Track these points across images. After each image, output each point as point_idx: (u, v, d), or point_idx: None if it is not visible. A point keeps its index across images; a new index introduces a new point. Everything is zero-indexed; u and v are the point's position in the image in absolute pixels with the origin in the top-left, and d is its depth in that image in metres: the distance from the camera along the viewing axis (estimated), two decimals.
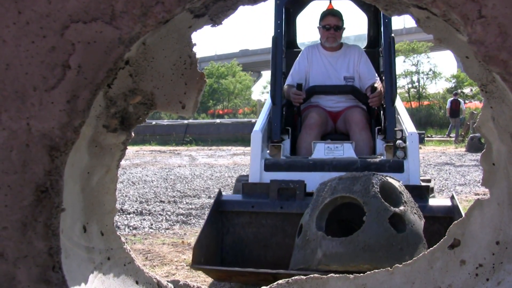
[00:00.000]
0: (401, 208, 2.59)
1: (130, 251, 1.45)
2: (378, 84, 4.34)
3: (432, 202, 3.26)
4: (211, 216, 3.29)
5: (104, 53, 1.07)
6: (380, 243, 2.47)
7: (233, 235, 3.50)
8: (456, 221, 1.42)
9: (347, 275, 1.49)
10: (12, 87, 1.06)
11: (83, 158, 1.24)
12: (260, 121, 4.29)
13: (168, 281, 1.52)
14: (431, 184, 3.78)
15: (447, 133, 23.58)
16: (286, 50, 5.06)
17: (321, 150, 3.96)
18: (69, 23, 1.06)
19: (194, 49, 1.30)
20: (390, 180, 2.76)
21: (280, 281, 1.51)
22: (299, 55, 4.77)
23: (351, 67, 4.64)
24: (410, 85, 36.44)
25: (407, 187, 3.02)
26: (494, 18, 1.01)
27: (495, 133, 1.25)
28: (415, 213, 2.67)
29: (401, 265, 1.48)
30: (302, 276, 1.51)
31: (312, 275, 1.50)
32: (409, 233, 2.55)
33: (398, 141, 3.75)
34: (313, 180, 2.68)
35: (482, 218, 1.36)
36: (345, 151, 3.89)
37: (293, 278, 1.49)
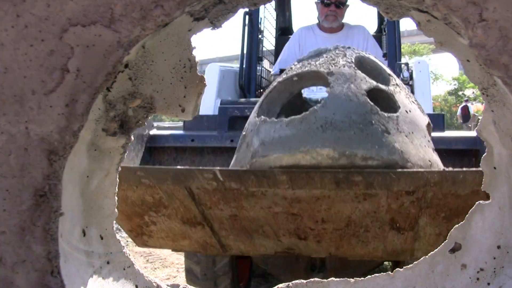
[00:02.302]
0: (390, 87, 1.78)
1: (129, 255, 1.45)
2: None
3: (450, 133, 2.44)
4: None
5: (103, 56, 1.07)
6: (351, 120, 1.62)
7: None
8: (457, 225, 1.41)
9: (348, 279, 1.48)
10: (11, 91, 1.05)
11: (82, 162, 1.24)
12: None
13: (168, 285, 1.52)
14: None
15: None
16: (280, 36, 4.36)
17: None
18: (68, 27, 1.05)
19: (194, 52, 1.30)
20: (373, 58, 1.95)
21: (280, 285, 1.50)
22: (290, 38, 3.97)
23: None
24: None
25: None
26: (495, 22, 1.00)
27: (496, 136, 1.24)
28: (413, 102, 1.86)
29: (402, 269, 1.47)
30: (302, 280, 1.50)
31: (312, 279, 1.49)
32: (401, 116, 1.70)
33: (403, 71, 2.88)
34: None
35: (483, 222, 1.36)
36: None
37: (293, 282, 1.49)
